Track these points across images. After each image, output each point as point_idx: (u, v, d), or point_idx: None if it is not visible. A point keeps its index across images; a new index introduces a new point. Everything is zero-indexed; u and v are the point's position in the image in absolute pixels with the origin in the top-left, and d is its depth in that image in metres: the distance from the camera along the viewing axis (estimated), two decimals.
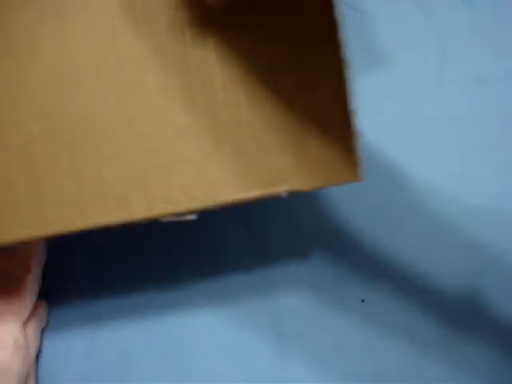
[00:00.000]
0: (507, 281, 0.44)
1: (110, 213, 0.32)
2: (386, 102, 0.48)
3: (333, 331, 0.43)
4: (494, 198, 0.46)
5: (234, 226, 0.46)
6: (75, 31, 0.32)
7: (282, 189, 0.32)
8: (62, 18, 0.32)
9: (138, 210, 0.32)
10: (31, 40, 0.31)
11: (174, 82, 0.32)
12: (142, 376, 0.42)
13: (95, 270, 0.44)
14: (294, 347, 0.42)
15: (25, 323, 0.39)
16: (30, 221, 0.31)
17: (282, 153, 0.32)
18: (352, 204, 0.46)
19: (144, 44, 0.32)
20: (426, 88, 0.48)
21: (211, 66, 0.32)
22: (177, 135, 0.32)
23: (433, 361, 0.42)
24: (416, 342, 0.43)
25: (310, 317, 0.43)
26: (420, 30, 0.49)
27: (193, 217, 0.32)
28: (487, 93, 0.48)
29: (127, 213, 0.32)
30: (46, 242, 0.42)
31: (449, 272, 0.44)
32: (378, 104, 0.47)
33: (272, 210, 0.46)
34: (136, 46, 0.32)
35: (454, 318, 0.43)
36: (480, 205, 0.45)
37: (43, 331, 0.42)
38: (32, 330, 0.40)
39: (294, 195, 0.32)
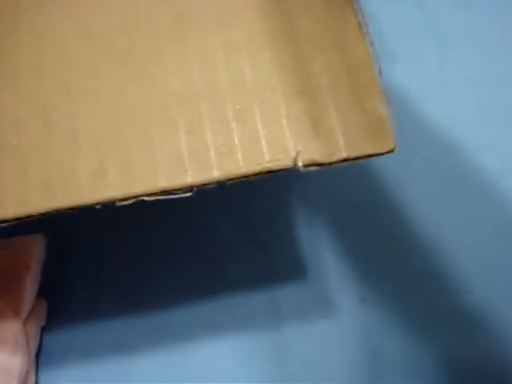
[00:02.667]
0: None
1: (84, 190, 0.27)
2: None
3: (333, 331, 0.43)
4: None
5: (234, 226, 0.46)
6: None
7: (297, 158, 0.27)
8: None
9: (117, 187, 0.27)
10: (13, 11, 0.30)
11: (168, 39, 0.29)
12: (142, 376, 0.42)
13: (95, 269, 0.45)
14: (295, 346, 0.42)
15: (24, 322, 0.39)
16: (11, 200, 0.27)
17: (296, 118, 0.28)
18: (352, 204, 0.46)
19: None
20: (426, 88, 0.48)
21: (208, 29, 0.30)
22: (167, 99, 0.28)
23: (433, 360, 0.42)
24: (416, 341, 0.42)
25: (310, 317, 0.43)
26: (420, 30, 0.49)
27: (187, 194, 0.27)
28: (486, 93, 0.48)
29: (104, 190, 0.27)
30: (45, 242, 0.42)
31: (449, 272, 0.44)
32: None
33: (272, 207, 0.46)
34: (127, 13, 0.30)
35: (454, 318, 0.43)
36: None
37: (43, 330, 0.42)
38: (32, 328, 0.40)
39: (309, 174, 0.27)
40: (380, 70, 0.29)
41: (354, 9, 0.30)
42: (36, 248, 0.41)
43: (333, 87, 0.28)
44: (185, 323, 0.43)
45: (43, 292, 0.42)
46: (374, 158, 0.28)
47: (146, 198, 0.27)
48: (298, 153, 0.27)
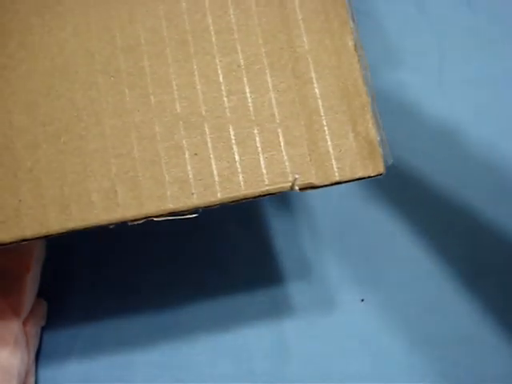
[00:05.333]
0: None
1: (97, 211, 0.28)
2: (387, 102, 0.48)
3: (333, 330, 0.43)
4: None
5: (235, 226, 0.46)
6: (66, 20, 0.31)
7: (293, 183, 0.29)
8: (52, 9, 0.31)
9: (128, 208, 0.28)
10: (21, 30, 0.30)
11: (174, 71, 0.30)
12: (142, 376, 0.42)
13: (95, 269, 0.44)
14: (295, 346, 0.42)
15: (24, 322, 0.39)
16: (6, 221, 0.28)
17: (293, 144, 0.29)
18: (352, 204, 0.46)
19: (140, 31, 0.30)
20: (426, 88, 0.48)
21: (212, 53, 0.30)
22: (174, 125, 0.29)
23: (433, 360, 0.42)
24: (416, 341, 0.42)
25: (310, 316, 0.43)
26: (420, 30, 0.49)
27: (193, 215, 0.29)
28: (486, 93, 0.48)
29: (116, 211, 0.28)
30: (45, 241, 0.42)
31: (449, 271, 0.44)
32: (379, 104, 0.47)
33: (271, 210, 0.46)
34: (131, 33, 0.30)
35: (454, 318, 0.43)
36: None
37: (43, 330, 0.42)
38: (32, 328, 0.40)
39: (305, 192, 0.29)
40: (374, 96, 0.31)
41: (351, 31, 0.31)
42: (36, 248, 0.41)
43: (329, 112, 0.30)
44: (185, 323, 0.43)
45: (43, 292, 0.42)
46: None
47: (155, 219, 0.29)
48: (295, 179, 0.29)
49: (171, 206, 0.28)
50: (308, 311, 0.43)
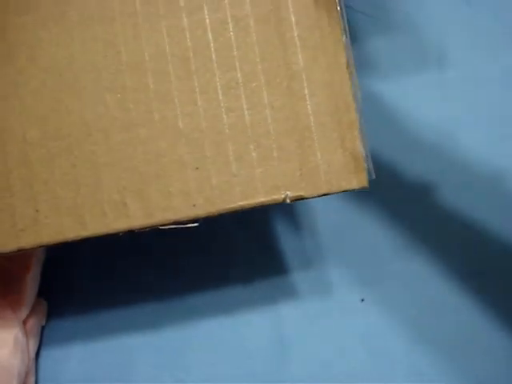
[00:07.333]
0: None
1: (108, 220, 0.31)
2: (386, 102, 0.48)
3: (333, 330, 0.43)
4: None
5: (235, 226, 0.46)
6: (73, 35, 0.32)
7: (285, 196, 0.32)
8: (58, 22, 0.31)
9: (136, 218, 0.31)
10: (30, 44, 0.31)
11: (176, 86, 0.32)
12: (142, 376, 0.42)
13: (95, 269, 0.45)
14: (295, 346, 0.42)
15: (24, 322, 0.39)
16: (25, 229, 0.30)
17: (286, 159, 0.32)
18: (352, 204, 0.46)
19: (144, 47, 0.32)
20: (426, 88, 0.48)
21: (212, 71, 0.32)
22: (177, 140, 0.32)
23: (433, 360, 0.42)
24: (416, 341, 0.43)
25: (310, 316, 0.43)
26: (421, 30, 0.49)
27: (195, 224, 0.32)
28: (486, 93, 0.48)
29: (125, 221, 0.31)
30: None
31: (450, 272, 0.44)
32: (378, 104, 0.47)
33: (272, 210, 0.46)
34: (136, 50, 0.32)
35: (454, 318, 0.43)
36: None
37: (43, 330, 0.42)
38: (32, 328, 0.40)
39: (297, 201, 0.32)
40: (360, 112, 0.32)
41: (343, 48, 0.32)
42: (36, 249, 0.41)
43: (320, 128, 0.32)
44: (185, 323, 0.43)
45: (43, 292, 0.42)
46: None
47: (160, 227, 0.32)
48: (286, 195, 0.32)
49: (175, 216, 0.31)
50: (308, 311, 0.43)
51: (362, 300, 0.44)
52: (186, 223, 0.32)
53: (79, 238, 0.31)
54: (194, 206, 0.31)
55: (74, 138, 0.31)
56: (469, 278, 0.44)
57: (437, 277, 0.44)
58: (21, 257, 0.40)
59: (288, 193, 0.32)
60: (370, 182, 0.32)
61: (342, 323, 0.43)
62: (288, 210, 0.46)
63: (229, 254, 0.45)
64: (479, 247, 0.44)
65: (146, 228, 0.31)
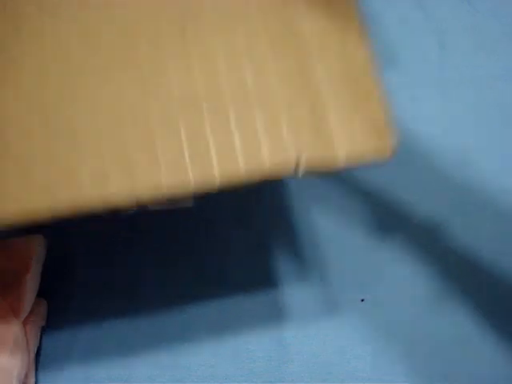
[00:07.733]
0: None
1: (86, 190, 0.27)
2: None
3: (333, 330, 0.43)
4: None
5: (236, 227, 0.46)
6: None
7: (296, 163, 0.27)
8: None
9: (118, 189, 0.27)
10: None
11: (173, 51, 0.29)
12: (142, 376, 0.42)
13: (95, 269, 0.45)
14: (294, 346, 0.42)
15: (24, 322, 0.39)
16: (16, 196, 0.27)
17: (298, 126, 0.28)
18: (352, 205, 0.46)
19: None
20: (426, 88, 0.48)
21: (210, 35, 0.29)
22: (168, 103, 0.28)
23: (433, 360, 0.42)
24: (416, 341, 0.43)
25: (310, 316, 0.43)
26: (420, 29, 0.49)
27: (189, 204, 0.28)
28: (486, 92, 0.48)
29: (104, 191, 0.27)
30: (45, 242, 0.42)
31: (450, 272, 0.44)
32: None
33: (272, 207, 0.46)
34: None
35: (454, 318, 0.43)
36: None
37: (43, 330, 0.42)
38: (32, 328, 0.40)
39: (308, 179, 0.27)
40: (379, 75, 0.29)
41: (356, 14, 0.30)
42: (36, 248, 0.41)
43: (333, 93, 0.28)
44: (185, 323, 0.43)
45: (43, 292, 0.42)
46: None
47: (149, 207, 0.27)
48: (298, 159, 0.27)
49: (165, 187, 0.27)
50: (308, 311, 0.43)
51: (362, 300, 0.44)
52: (179, 203, 0.28)
53: (49, 212, 0.27)
54: (189, 178, 0.27)
55: (53, 105, 0.29)
56: (469, 278, 0.44)
57: (437, 277, 0.44)
58: (21, 257, 0.40)
59: (299, 157, 0.27)
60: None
61: (342, 323, 0.43)
62: (288, 211, 0.46)
63: (228, 254, 0.45)
64: (480, 247, 0.45)
65: (130, 204, 0.27)
